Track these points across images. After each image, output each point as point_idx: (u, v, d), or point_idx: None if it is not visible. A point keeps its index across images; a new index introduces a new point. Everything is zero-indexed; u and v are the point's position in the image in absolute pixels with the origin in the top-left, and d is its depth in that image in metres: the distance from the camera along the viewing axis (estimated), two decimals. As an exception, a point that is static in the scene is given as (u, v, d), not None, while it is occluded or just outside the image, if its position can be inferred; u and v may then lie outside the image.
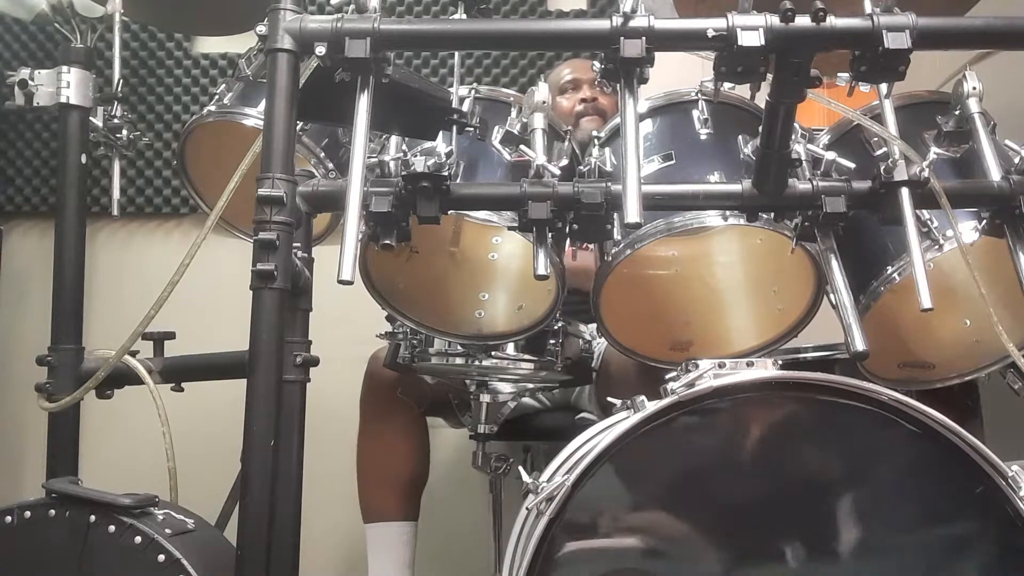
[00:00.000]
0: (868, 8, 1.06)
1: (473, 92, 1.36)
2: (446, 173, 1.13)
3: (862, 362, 1.27)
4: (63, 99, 1.50)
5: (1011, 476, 0.98)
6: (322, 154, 1.54)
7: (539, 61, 2.58)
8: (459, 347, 1.46)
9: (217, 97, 1.59)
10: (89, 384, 1.22)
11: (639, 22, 1.02)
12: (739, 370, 1.04)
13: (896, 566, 1.01)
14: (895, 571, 1.01)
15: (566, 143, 1.39)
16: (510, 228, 1.21)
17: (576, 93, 2.09)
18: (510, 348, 1.47)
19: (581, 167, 1.29)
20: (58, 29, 1.57)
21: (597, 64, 1.07)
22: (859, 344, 1.09)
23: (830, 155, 1.21)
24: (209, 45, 2.66)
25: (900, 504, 1.03)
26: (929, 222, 1.21)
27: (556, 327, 1.47)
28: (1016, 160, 1.18)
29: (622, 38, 1.02)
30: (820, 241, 1.16)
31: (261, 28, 1.09)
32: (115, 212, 1.71)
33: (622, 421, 1.03)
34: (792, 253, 1.22)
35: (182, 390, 1.45)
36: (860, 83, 1.11)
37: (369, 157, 1.12)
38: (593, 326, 1.57)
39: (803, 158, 1.20)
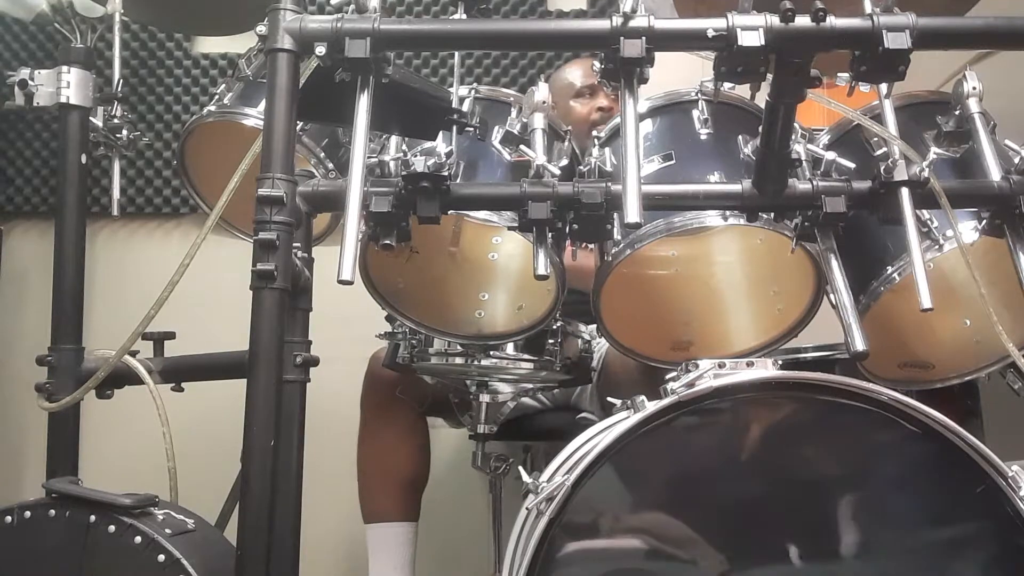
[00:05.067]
0: (868, 8, 1.06)
1: (473, 92, 1.36)
2: (446, 173, 1.13)
3: (862, 362, 1.27)
4: (63, 99, 1.50)
5: (1011, 476, 0.98)
6: (322, 154, 1.53)
7: (539, 61, 2.57)
8: (459, 347, 1.45)
9: (217, 97, 1.59)
10: (89, 384, 1.22)
11: (639, 22, 1.02)
12: (739, 370, 1.04)
13: (896, 566, 1.01)
14: (895, 571, 1.01)
15: (566, 143, 1.39)
16: (510, 228, 1.21)
17: (593, 100, 2.05)
18: (510, 348, 1.46)
19: (581, 167, 1.29)
20: (58, 29, 1.57)
21: (597, 64, 1.07)
22: (859, 344, 1.09)
23: (830, 155, 1.21)
24: (209, 45, 2.65)
25: (900, 504, 1.02)
26: (929, 222, 1.21)
27: (556, 327, 1.47)
28: (1016, 160, 1.18)
29: (622, 38, 1.02)
30: (820, 241, 1.16)
31: (261, 28, 1.10)
32: (115, 212, 1.71)
33: (622, 421, 1.03)
34: (792, 253, 1.22)
35: (182, 390, 1.45)
36: (860, 83, 1.11)
37: (369, 157, 1.12)
38: (593, 327, 1.57)
39: (803, 158, 1.20)
